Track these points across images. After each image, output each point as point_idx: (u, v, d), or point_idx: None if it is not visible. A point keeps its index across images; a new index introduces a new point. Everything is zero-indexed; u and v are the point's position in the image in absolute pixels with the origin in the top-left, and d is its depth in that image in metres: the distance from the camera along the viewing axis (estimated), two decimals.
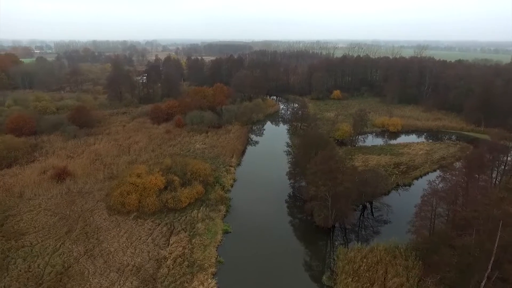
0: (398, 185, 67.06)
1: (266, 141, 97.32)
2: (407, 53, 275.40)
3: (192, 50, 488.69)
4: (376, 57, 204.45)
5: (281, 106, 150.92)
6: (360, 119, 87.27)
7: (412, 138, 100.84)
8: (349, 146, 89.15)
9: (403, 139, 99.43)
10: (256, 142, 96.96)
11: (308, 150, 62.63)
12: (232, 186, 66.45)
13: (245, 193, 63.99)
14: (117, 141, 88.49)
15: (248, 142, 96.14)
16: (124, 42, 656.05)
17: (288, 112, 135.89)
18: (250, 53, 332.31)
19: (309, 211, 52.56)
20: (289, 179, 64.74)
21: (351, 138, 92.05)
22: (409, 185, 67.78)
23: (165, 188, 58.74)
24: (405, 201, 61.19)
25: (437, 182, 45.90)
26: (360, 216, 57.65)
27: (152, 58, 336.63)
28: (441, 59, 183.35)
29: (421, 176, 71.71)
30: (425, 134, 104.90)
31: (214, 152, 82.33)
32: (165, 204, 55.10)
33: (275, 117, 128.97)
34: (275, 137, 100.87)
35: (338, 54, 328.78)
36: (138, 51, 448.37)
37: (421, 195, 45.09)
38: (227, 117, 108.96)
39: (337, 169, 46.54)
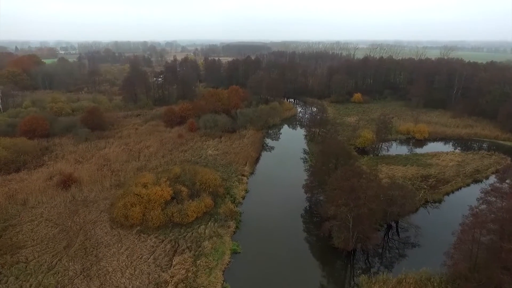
0: (427, 201, 60.51)
1: (281, 148, 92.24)
2: (433, 55, 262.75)
3: (210, 51, 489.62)
4: (400, 58, 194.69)
5: (299, 110, 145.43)
6: (384, 126, 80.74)
7: (441, 147, 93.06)
8: (372, 155, 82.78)
9: (430, 147, 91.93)
10: (271, 148, 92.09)
11: (327, 161, 57.36)
12: (243, 198, 61.88)
13: (257, 206, 59.26)
14: (128, 145, 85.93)
15: (263, 147, 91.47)
16: (145, 43, 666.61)
17: (306, 116, 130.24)
18: (268, 54, 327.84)
19: (327, 231, 47.26)
20: (306, 192, 59.47)
21: (374, 146, 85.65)
22: (440, 202, 61.02)
23: (172, 199, 55.01)
24: (436, 221, 54.99)
25: (478, 205, 39.51)
26: (385, 236, 51.82)
27: (170, 58, 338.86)
28: (471, 61, 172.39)
29: (452, 192, 64.77)
30: (455, 142, 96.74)
31: (227, 159, 78.14)
32: (170, 218, 51.24)
33: (292, 121, 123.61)
34: (291, 143, 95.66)
35: (359, 55, 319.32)
36: (157, 52, 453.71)
37: (461, 223, 38.87)
38: (242, 121, 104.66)
39: (360, 188, 41.02)
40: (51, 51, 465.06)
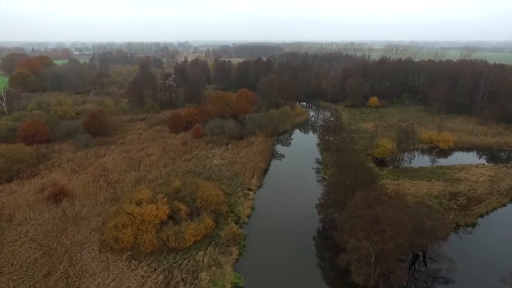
0: (458, 225, 53.03)
1: (293, 157, 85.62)
2: (453, 56, 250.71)
3: (222, 52, 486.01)
4: (419, 60, 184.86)
5: (311, 114, 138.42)
6: (405, 136, 73.14)
7: (468, 158, 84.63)
8: (392, 167, 75.33)
9: (456, 158, 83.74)
10: (281, 157, 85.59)
11: (343, 178, 50.61)
12: (249, 217, 55.71)
13: (264, 227, 53.00)
14: (129, 153, 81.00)
15: (272, 156, 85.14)
16: (157, 44, 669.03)
17: (319, 121, 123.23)
18: (280, 55, 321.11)
19: (344, 263, 40.63)
20: (319, 213, 52.82)
21: (394, 157, 78.24)
22: (473, 226, 53.43)
23: (169, 218, 49.37)
24: (471, 250, 47.67)
25: None
26: (410, 268, 44.84)
27: (181, 59, 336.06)
28: (496, 62, 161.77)
29: (487, 213, 57.04)
30: (483, 153, 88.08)
31: (233, 170, 72.17)
32: (165, 242, 45.52)
33: (304, 127, 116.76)
34: (303, 152, 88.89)
35: (374, 56, 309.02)
36: (169, 53, 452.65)
37: None
38: (251, 127, 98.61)
39: (386, 218, 34.24)
40: (65, 52, 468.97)
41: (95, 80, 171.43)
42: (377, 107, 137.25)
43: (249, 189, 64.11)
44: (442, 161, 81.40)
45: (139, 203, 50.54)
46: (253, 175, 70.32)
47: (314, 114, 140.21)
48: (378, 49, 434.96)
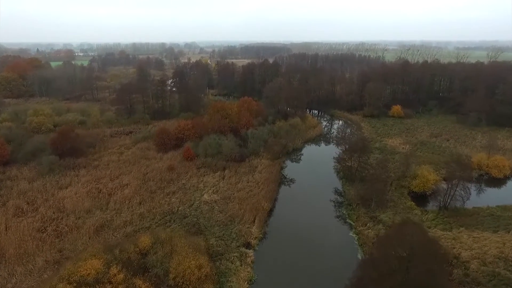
0: None
1: (305, 187, 67.91)
2: (477, 57, 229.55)
3: (227, 53, 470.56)
4: (445, 62, 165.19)
5: (324, 124, 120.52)
6: (459, 167, 54.70)
7: None
8: (437, 207, 57.02)
9: None
10: (291, 188, 67.95)
11: (388, 256, 32.92)
12: None
13: None
14: (100, 183, 64.42)
15: (280, 185, 67.71)
16: (163, 44, 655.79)
17: (334, 133, 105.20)
18: (288, 57, 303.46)
19: None
20: None
21: (438, 190, 60.24)
22: None
23: None
24: None
25: None
26: None
27: (184, 60, 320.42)
28: None
29: None
30: None
31: (228, 211, 54.98)
32: None
33: (317, 142, 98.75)
34: (318, 180, 71.11)
35: (389, 57, 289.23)
36: (173, 54, 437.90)
37: None
38: (254, 146, 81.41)
39: None
40: (68, 53, 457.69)
41: (85, 85, 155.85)
42: (400, 117, 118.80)
43: (248, 245, 46.77)
44: (501, 197, 62.91)
45: (81, 285, 33.72)
46: (254, 219, 53.00)
47: (327, 124, 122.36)
48: (392, 49, 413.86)
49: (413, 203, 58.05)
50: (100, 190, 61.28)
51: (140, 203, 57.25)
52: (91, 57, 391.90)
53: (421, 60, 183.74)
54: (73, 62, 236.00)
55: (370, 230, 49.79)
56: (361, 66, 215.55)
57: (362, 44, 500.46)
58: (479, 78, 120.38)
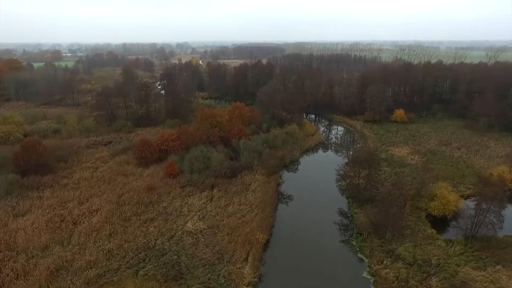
0: None
1: (306, 208, 58.92)
2: (475, 57, 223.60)
3: (220, 53, 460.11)
4: (448, 63, 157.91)
5: (322, 129, 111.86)
6: (492, 194, 45.99)
7: None
8: (462, 236, 48.32)
9: None
10: (290, 205, 59.11)
11: None
12: None
13: None
14: (65, 208, 54.58)
15: (277, 206, 58.71)
16: (154, 45, 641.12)
17: (333, 140, 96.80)
18: (282, 57, 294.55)
19: None
20: None
21: (460, 213, 51.78)
22: None
23: None
24: None
25: None
26: None
27: (175, 61, 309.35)
28: None
29: None
30: None
31: (215, 245, 45.71)
32: None
33: (317, 152, 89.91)
34: (320, 200, 62.13)
35: (385, 57, 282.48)
36: (164, 54, 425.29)
37: None
38: (247, 159, 72.23)
39: None
40: (55, 54, 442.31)
41: (64, 88, 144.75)
42: (404, 123, 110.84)
43: None
44: None
45: None
46: (247, 255, 43.81)
47: (326, 130, 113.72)
48: (386, 49, 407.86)
49: (434, 231, 49.43)
50: (64, 218, 51.44)
51: (110, 235, 47.59)
52: (79, 58, 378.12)
53: (417, 61, 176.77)
54: (56, 64, 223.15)
55: (388, 270, 40.96)
56: (358, 67, 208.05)
57: (356, 44, 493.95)
58: (488, 80, 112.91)
